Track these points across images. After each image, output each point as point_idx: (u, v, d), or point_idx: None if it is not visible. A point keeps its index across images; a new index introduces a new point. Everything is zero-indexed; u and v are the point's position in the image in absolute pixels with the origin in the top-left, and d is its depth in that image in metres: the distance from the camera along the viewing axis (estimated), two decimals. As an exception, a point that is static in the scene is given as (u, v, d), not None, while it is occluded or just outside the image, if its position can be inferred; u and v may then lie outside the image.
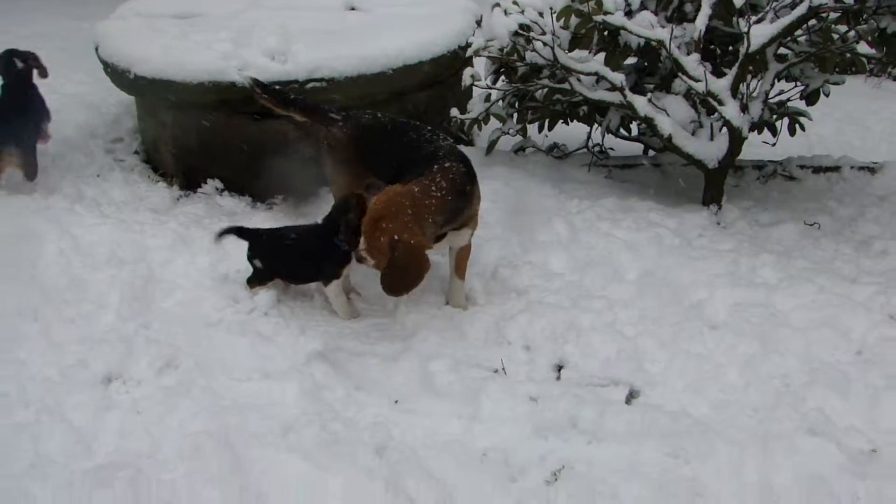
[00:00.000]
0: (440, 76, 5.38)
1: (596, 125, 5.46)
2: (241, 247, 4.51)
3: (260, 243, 4.19)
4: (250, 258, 4.18)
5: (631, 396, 3.54)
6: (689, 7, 4.91)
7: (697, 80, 4.56)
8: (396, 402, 3.49)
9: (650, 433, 3.28)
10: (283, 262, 4.18)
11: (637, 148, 5.73)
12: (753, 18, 4.48)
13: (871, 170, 5.77)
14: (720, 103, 4.57)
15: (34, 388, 3.57)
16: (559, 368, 3.72)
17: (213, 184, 5.37)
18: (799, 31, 4.75)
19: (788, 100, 5.31)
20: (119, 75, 5.29)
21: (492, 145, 5.45)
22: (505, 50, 4.84)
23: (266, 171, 5.22)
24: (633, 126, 5.51)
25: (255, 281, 4.18)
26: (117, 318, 4.03)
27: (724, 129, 4.82)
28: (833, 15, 4.67)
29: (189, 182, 5.44)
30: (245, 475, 3.12)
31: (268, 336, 3.89)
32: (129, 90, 5.47)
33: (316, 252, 4.02)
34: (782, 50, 4.91)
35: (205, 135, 5.29)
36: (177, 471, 3.15)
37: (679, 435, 3.26)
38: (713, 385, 3.59)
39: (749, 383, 3.56)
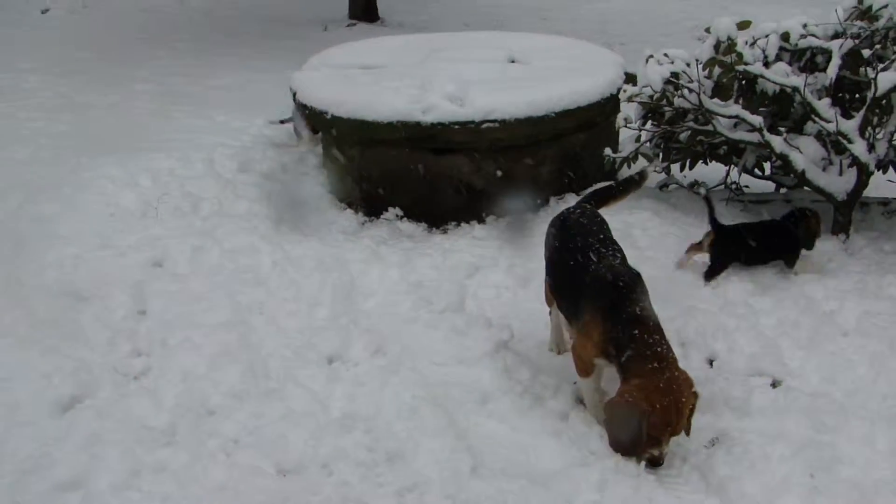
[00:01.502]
0: (594, 120, 5.94)
1: (733, 165, 5.88)
2: (426, 259, 5.27)
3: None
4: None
5: (774, 384, 4.10)
6: (820, 58, 5.36)
7: (828, 122, 4.98)
8: (575, 382, 4.05)
9: (792, 409, 3.83)
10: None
11: (770, 186, 6.10)
12: (880, 66, 4.90)
13: None
14: (849, 141, 4.96)
15: (274, 363, 4.29)
16: (711, 361, 4.28)
17: (393, 211, 5.99)
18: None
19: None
20: (316, 116, 6.06)
21: (639, 181, 5.99)
22: (655, 96, 5.38)
23: (440, 200, 5.91)
24: (767, 166, 5.89)
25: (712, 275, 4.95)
26: (331, 313, 4.70)
27: (853, 167, 5.20)
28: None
29: (372, 210, 6.08)
30: (457, 428, 3.78)
31: (460, 330, 4.52)
32: (325, 129, 6.18)
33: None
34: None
35: (387, 167, 5.97)
36: (401, 426, 3.82)
37: (818, 411, 3.80)
38: (846, 377, 4.08)
39: (878, 375, 4.05)
